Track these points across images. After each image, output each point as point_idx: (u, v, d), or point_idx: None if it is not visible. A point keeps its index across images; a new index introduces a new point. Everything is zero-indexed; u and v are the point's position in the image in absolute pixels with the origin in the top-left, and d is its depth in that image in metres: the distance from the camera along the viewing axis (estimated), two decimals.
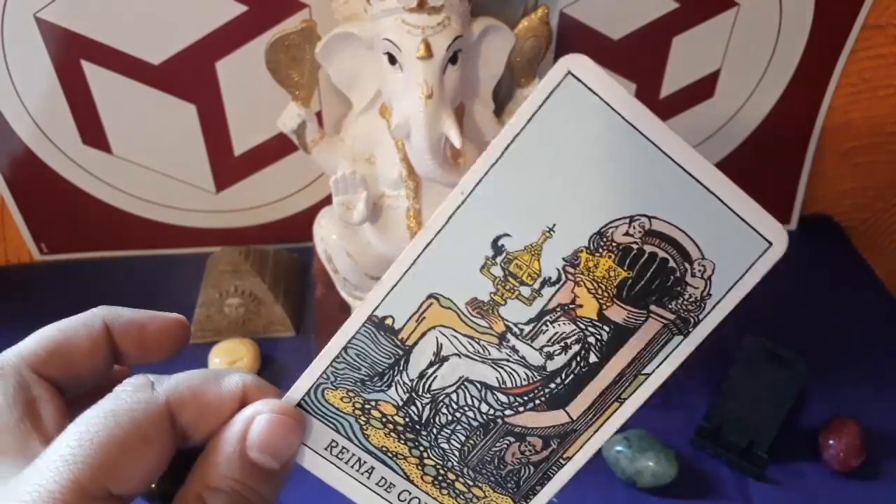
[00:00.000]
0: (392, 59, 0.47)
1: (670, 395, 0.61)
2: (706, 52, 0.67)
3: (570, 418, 0.26)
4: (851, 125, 0.74)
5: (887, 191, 0.79)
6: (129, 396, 0.21)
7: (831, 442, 0.55)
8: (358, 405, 0.26)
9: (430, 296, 0.24)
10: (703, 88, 0.70)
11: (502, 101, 0.56)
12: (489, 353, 0.25)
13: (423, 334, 0.25)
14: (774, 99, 0.71)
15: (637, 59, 0.67)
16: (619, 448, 0.54)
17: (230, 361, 0.61)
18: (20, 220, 0.72)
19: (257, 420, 0.23)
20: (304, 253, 0.71)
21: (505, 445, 0.26)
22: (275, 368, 0.64)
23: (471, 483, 0.26)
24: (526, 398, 0.25)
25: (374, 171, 0.54)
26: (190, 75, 0.64)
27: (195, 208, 0.73)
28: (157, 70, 0.63)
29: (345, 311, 0.63)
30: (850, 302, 0.71)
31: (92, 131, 0.67)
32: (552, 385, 0.25)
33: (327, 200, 0.56)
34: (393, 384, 0.25)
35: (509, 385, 0.25)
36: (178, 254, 0.76)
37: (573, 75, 0.22)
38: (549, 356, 0.25)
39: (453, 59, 0.47)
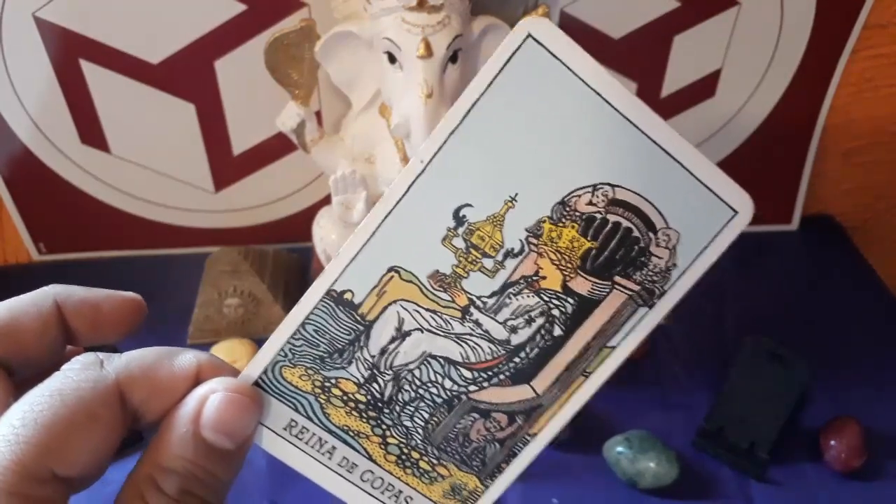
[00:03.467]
0: (392, 58, 0.47)
1: (671, 395, 0.61)
2: (707, 52, 0.67)
3: (536, 393, 0.25)
4: (853, 125, 0.73)
5: (889, 190, 0.79)
6: (77, 375, 0.21)
7: (833, 442, 0.55)
8: (317, 383, 0.25)
9: (391, 269, 0.24)
10: (704, 88, 0.69)
11: None
12: (452, 328, 0.24)
13: (384, 309, 0.24)
14: (776, 98, 0.71)
15: (638, 58, 0.67)
16: (619, 449, 0.54)
17: (229, 362, 0.61)
18: (19, 220, 0.72)
19: (211, 399, 0.22)
20: (304, 253, 0.71)
21: (469, 422, 0.25)
22: None
23: (435, 462, 0.26)
24: (490, 373, 0.25)
25: (373, 170, 0.54)
26: (189, 74, 0.63)
27: (194, 208, 0.73)
28: (156, 69, 0.63)
29: None
30: (851, 302, 0.71)
31: (91, 131, 0.67)
32: (516, 359, 0.25)
33: (327, 200, 0.56)
34: (353, 361, 0.25)
35: (473, 360, 0.25)
36: (176, 254, 0.75)
37: (533, 38, 0.22)
38: (513, 330, 0.24)
39: (453, 58, 0.47)
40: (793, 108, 0.71)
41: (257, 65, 0.52)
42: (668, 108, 0.70)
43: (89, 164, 0.69)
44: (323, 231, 0.59)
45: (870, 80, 0.70)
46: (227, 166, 0.70)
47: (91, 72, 0.63)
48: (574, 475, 0.54)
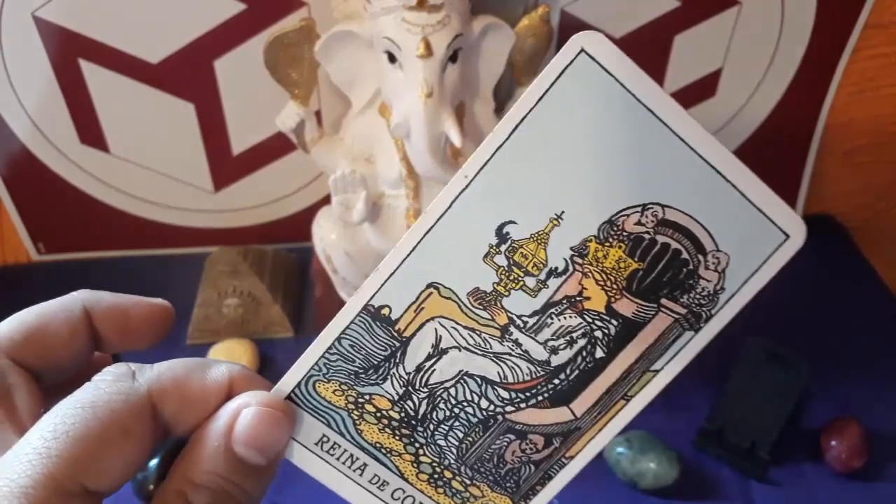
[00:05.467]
0: (392, 58, 0.47)
1: (672, 396, 0.60)
2: (708, 51, 0.67)
3: (574, 416, 0.24)
4: (853, 125, 0.73)
5: (890, 190, 0.79)
6: (109, 387, 0.20)
7: (833, 443, 0.55)
8: (351, 399, 0.24)
9: (430, 285, 0.23)
10: (704, 87, 0.69)
11: (503, 99, 0.56)
12: (490, 347, 0.24)
13: (422, 325, 0.24)
14: (776, 98, 0.71)
15: (638, 57, 0.66)
16: (620, 449, 0.54)
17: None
18: (18, 220, 0.72)
19: (244, 413, 0.22)
20: (303, 253, 0.70)
21: (505, 443, 0.25)
22: (273, 369, 0.63)
23: (468, 482, 0.25)
24: (528, 394, 0.24)
25: (373, 170, 0.54)
26: (188, 74, 0.63)
27: (193, 208, 0.73)
28: (156, 69, 0.63)
29: None
30: (852, 302, 0.71)
31: (90, 130, 0.67)
32: (556, 381, 0.24)
33: (326, 200, 0.56)
34: (388, 377, 0.24)
35: (511, 380, 0.24)
36: (176, 254, 0.75)
37: (586, 53, 0.21)
38: (554, 350, 0.24)
39: (453, 58, 0.47)
40: (793, 107, 0.71)
41: (257, 64, 0.52)
42: None
43: (89, 163, 0.69)
44: (323, 231, 0.59)
45: (870, 80, 0.70)
46: (227, 166, 0.70)
47: (90, 71, 0.63)
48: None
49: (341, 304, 0.62)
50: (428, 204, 0.56)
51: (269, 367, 0.63)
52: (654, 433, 0.54)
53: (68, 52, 0.61)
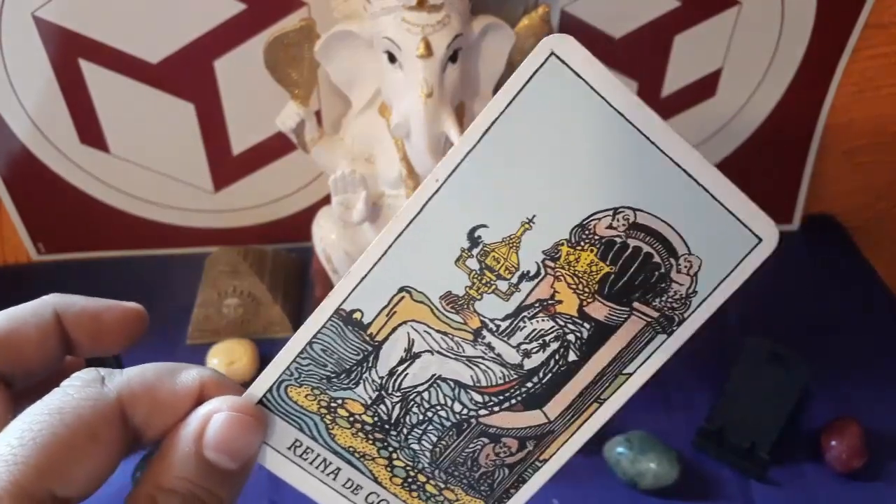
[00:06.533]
0: (392, 58, 0.47)
1: (672, 396, 0.60)
2: (708, 51, 0.67)
3: (548, 419, 0.25)
4: (854, 125, 0.73)
5: (890, 190, 0.79)
6: (77, 392, 0.20)
7: (833, 443, 0.55)
8: (323, 403, 0.24)
9: (402, 289, 0.23)
10: (704, 87, 0.69)
11: None
12: (463, 350, 0.24)
13: (394, 329, 0.24)
14: (776, 98, 0.71)
15: (638, 57, 0.67)
16: (620, 449, 0.54)
17: (228, 362, 0.61)
18: (17, 220, 0.72)
19: (214, 418, 0.22)
20: (303, 253, 0.70)
21: (479, 447, 0.25)
22: None
23: (442, 485, 0.25)
24: (501, 398, 0.24)
25: (373, 170, 0.54)
26: (188, 74, 0.63)
27: (193, 208, 0.73)
28: (156, 69, 0.63)
29: None
30: (852, 302, 0.70)
31: (90, 130, 0.67)
32: (529, 384, 0.24)
33: (326, 200, 0.56)
34: (361, 381, 0.24)
35: (484, 384, 0.24)
36: (176, 254, 0.75)
37: (557, 57, 0.21)
38: (527, 354, 0.24)
39: (453, 58, 0.47)
40: (793, 107, 0.71)
41: (257, 64, 0.52)
42: (669, 107, 0.70)
43: (88, 163, 0.69)
44: (323, 231, 0.59)
45: (870, 80, 0.70)
46: (227, 166, 0.70)
47: (90, 71, 0.63)
48: (574, 476, 0.54)
49: None
50: None
51: None
52: (654, 433, 0.54)
53: (68, 52, 0.61)
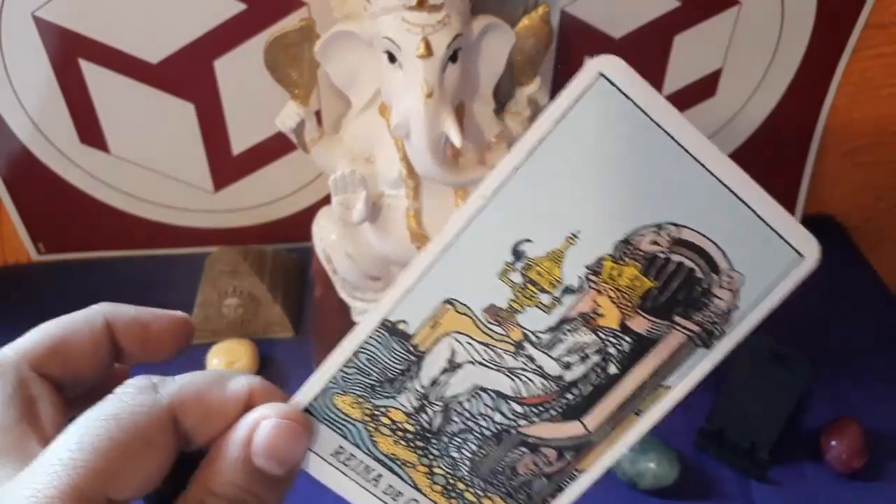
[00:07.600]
0: (392, 58, 0.47)
1: None
2: (708, 51, 0.67)
3: (587, 430, 0.25)
4: (854, 125, 0.73)
5: (890, 191, 0.79)
6: (132, 399, 0.21)
7: (833, 443, 0.55)
8: (367, 411, 0.25)
9: (446, 301, 0.24)
10: (704, 87, 0.69)
11: (503, 99, 0.56)
12: (505, 362, 0.24)
13: (437, 340, 0.24)
14: (776, 98, 0.71)
15: (638, 58, 0.66)
16: None
17: (228, 362, 0.61)
18: (18, 220, 0.72)
19: (263, 425, 0.22)
20: (303, 253, 0.70)
21: (518, 456, 0.25)
22: (273, 369, 0.63)
23: (481, 493, 0.26)
24: (541, 409, 0.25)
25: (373, 170, 0.54)
26: (188, 74, 0.63)
27: (193, 208, 0.73)
28: (156, 69, 0.63)
29: (344, 311, 0.63)
30: (852, 302, 0.70)
31: (90, 130, 0.67)
32: (569, 396, 0.25)
33: (326, 200, 0.56)
34: (404, 391, 0.25)
35: (524, 395, 0.25)
36: (176, 254, 0.75)
37: (605, 77, 0.22)
38: (567, 366, 0.24)
39: (453, 58, 0.47)
40: (793, 108, 0.71)
41: (257, 64, 0.52)
42: None
43: (89, 163, 0.69)
44: (323, 231, 0.59)
45: (870, 80, 0.70)
46: (227, 166, 0.70)
47: (90, 71, 0.63)
48: None
49: (341, 304, 0.62)
50: (428, 204, 0.56)
51: (268, 367, 0.63)
52: (654, 433, 0.54)
53: (68, 52, 0.61)
